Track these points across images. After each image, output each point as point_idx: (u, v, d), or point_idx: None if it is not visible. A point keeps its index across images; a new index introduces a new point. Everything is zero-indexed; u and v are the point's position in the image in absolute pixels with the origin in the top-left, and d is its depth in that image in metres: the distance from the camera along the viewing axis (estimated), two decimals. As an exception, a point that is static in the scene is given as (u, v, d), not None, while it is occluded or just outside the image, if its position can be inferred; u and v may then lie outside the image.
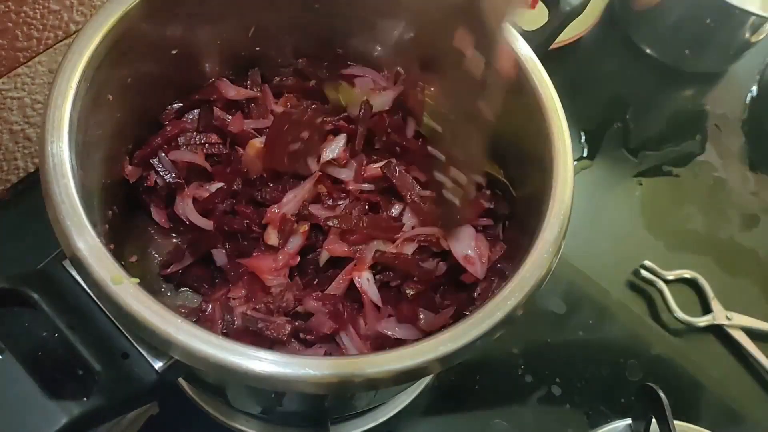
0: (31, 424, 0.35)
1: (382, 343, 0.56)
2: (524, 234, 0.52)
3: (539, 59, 0.57)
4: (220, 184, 0.61)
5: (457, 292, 0.60)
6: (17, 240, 0.73)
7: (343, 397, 0.59)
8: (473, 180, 0.55)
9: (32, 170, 0.76)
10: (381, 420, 0.71)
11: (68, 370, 0.38)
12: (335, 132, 0.65)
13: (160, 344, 0.41)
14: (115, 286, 0.40)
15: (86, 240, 0.42)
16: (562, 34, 0.65)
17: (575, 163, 0.94)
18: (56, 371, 0.38)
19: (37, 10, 0.64)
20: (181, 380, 0.68)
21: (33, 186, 0.69)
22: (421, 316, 0.57)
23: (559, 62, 1.01)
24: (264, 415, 0.68)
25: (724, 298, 0.85)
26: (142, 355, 0.42)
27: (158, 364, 0.42)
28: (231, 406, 0.67)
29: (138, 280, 0.42)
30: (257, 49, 0.67)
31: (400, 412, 0.72)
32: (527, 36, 0.59)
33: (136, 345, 0.42)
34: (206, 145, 0.62)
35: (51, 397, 0.35)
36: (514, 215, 0.61)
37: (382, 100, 0.66)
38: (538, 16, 0.64)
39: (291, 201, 0.60)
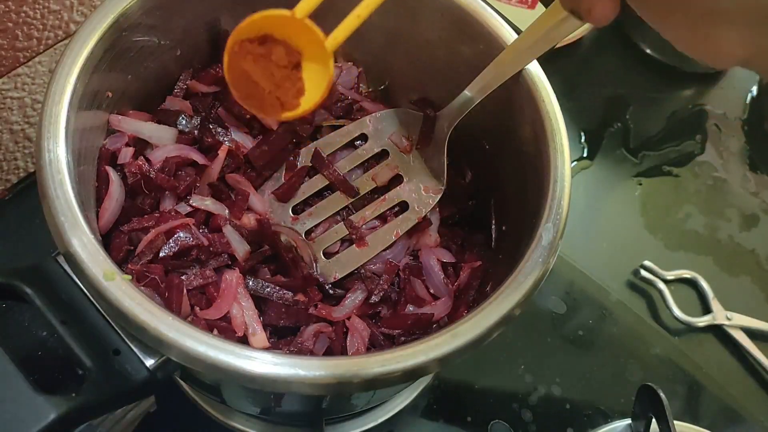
0: (20, 419, 0.35)
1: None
2: (522, 234, 0.52)
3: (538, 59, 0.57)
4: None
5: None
6: (17, 239, 0.73)
7: (341, 398, 0.59)
8: None
9: (32, 170, 0.76)
10: (380, 420, 0.71)
11: (59, 366, 0.39)
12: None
13: (150, 342, 0.41)
14: (106, 282, 0.40)
15: (79, 236, 0.42)
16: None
17: (575, 163, 0.93)
18: (46, 366, 0.38)
19: (37, 10, 0.64)
20: (178, 378, 0.68)
21: (33, 186, 0.69)
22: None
23: (559, 62, 1.01)
24: (262, 415, 0.68)
25: (723, 298, 0.85)
26: (134, 352, 0.42)
27: (149, 362, 0.42)
28: (228, 405, 0.67)
29: (130, 277, 0.42)
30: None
31: (399, 412, 0.72)
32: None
33: (127, 342, 0.42)
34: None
35: (40, 391, 0.35)
36: (510, 216, 0.62)
37: None
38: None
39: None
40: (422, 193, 0.62)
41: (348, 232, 0.62)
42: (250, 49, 0.37)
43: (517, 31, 0.57)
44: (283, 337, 0.57)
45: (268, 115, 0.38)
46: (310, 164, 0.63)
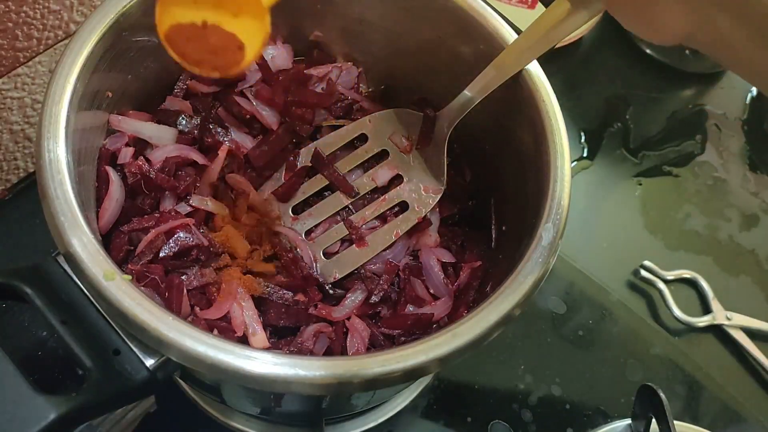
0: (19, 419, 0.35)
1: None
2: (522, 234, 0.52)
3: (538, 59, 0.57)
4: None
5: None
6: (17, 239, 0.73)
7: (341, 398, 0.59)
8: None
9: (32, 170, 0.76)
10: (380, 420, 0.71)
11: (59, 366, 0.39)
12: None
13: (150, 342, 0.41)
14: (106, 282, 0.40)
15: (79, 236, 0.42)
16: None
17: (575, 163, 0.93)
18: (46, 366, 0.38)
19: (37, 10, 0.64)
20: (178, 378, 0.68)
21: (33, 186, 0.70)
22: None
23: (559, 62, 1.01)
24: (262, 415, 0.68)
25: (723, 298, 0.85)
26: (134, 352, 0.42)
27: (150, 362, 0.42)
28: (228, 405, 0.67)
29: (130, 277, 0.42)
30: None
31: (399, 412, 0.72)
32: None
33: (127, 342, 0.42)
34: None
35: (40, 392, 0.35)
36: (510, 216, 0.62)
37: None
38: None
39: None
40: (422, 193, 0.63)
41: (348, 232, 0.62)
42: (189, 35, 0.37)
43: (517, 31, 0.57)
44: (283, 337, 0.57)
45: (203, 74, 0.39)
46: (310, 164, 0.63)
